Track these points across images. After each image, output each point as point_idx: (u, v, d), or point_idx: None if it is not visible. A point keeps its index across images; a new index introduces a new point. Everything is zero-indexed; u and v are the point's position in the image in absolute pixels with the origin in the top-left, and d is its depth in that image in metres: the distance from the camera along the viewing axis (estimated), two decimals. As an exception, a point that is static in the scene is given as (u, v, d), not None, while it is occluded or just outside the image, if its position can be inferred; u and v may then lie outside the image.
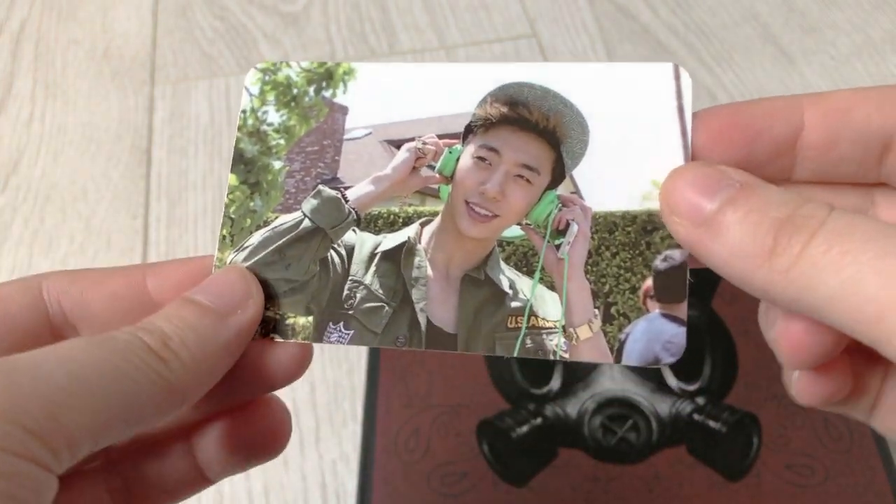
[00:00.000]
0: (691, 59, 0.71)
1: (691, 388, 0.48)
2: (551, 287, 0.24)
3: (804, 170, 0.24)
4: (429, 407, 0.48)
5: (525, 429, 0.47)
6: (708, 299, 0.51)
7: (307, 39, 0.75)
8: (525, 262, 0.25)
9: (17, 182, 0.66)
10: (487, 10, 0.76)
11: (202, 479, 0.27)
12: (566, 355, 0.24)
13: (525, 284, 0.25)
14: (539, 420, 0.47)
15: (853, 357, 0.24)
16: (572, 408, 0.47)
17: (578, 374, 0.48)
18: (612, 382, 0.48)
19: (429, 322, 0.25)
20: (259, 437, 0.27)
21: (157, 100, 0.71)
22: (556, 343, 0.24)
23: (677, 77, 0.25)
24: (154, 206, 0.64)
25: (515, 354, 0.24)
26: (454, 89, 0.26)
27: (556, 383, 0.48)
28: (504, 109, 0.26)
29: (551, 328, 0.24)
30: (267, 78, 0.28)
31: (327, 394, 0.52)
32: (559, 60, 0.71)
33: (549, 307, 0.24)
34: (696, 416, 0.47)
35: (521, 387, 0.48)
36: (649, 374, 0.48)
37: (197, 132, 0.68)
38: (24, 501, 0.17)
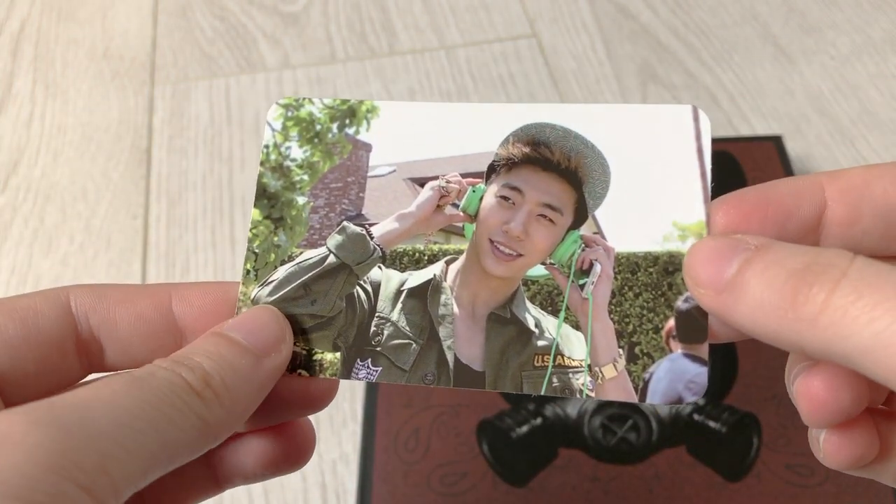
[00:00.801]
0: (691, 59, 0.71)
1: (691, 388, 0.48)
2: (576, 326, 0.25)
3: (830, 246, 0.24)
4: (429, 407, 0.48)
5: (525, 429, 0.47)
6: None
7: (307, 39, 0.75)
8: (550, 301, 0.26)
9: (17, 182, 0.66)
10: (487, 10, 0.76)
11: (216, 488, 0.27)
12: (592, 394, 0.24)
13: (550, 323, 0.25)
14: (539, 420, 0.47)
15: (876, 419, 0.24)
16: (572, 408, 0.47)
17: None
18: (612, 382, 0.48)
19: (456, 360, 0.26)
20: (284, 454, 0.27)
21: (157, 100, 0.71)
22: (581, 382, 0.24)
23: (696, 119, 0.25)
24: (154, 206, 0.64)
25: (542, 393, 0.24)
26: (476, 128, 0.26)
27: (556, 383, 0.48)
28: (526, 149, 0.26)
29: (577, 367, 0.24)
30: (289, 113, 0.28)
31: (327, 394, 0.53)
32: (559, 61, 0.71)
33: (575, 346, 0.25)
34: (696, 416, 0.47)
35: (521, 387, 0.48)
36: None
37: (197, 132, 0.68)
38: None
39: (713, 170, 0.25)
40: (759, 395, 0.48)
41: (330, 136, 0.28)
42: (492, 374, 0.25)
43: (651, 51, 0.72)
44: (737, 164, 0.58)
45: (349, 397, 0.52)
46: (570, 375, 0.24)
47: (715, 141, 0.67)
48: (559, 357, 0.25)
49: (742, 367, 0.49)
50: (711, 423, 0.46)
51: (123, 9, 0.78)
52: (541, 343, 0.25)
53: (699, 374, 0.23)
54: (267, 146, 0.28)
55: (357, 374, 0.25)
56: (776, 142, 0.59)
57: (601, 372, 0.24)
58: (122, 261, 0.61)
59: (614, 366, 0.24)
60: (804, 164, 0.63)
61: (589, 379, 0.24)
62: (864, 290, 0.18)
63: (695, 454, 0.46)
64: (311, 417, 0.53)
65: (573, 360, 0.25)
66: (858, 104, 0.67)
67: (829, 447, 0.23)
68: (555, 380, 0.24)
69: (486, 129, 0.26)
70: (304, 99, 0.28)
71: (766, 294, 0.20)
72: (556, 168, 0.26)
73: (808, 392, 0.22)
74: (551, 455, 0.46)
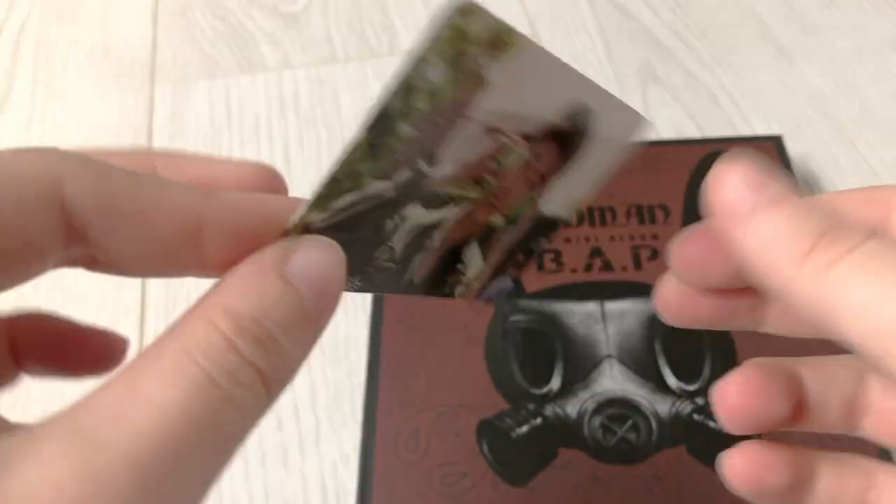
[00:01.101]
0: (691, 60, 0.71)
1: (691, 388, 0.48)
2: (485, 258, 0.30)
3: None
4: (429, 407, 0.48)
5: (525, 429, 0.47)
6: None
7: (307, 39, 0.75)
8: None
9: (17, 182, 0.66)
10: (487, 11, 0.76)
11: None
12: (460, 297, 0.30)
13: (475, 256, 0.29)
14: (539, 420, 0.47)
15: (791, 452, 0.27)
16: (572, 408, 0.47)
17: (578, 374, 0.48)
18: (612, 382, 0.48)
19: (410, 279, 0.28)
20: None
21: (157, 100, 0.71)
22: (460, 291, 0.29)
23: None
24: (154, 207, 0.64)
25: (434, 291, 0.29)
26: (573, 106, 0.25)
27: (555, 383, 0.48)
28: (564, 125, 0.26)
29: (464, 282, 0.30)
30: (468, 24, 0.22)
31: (327, 394, 0.52)
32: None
33: (472, 268, 0.30)
34: (696, 416, 0.47)
35: (520, 387, 0.48)
36: (649, 374, 0.48)
37: (197, 132, 0.68)
38: None
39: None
40: (759, 395, 0.48)
41: (472, 64, 0.22)
42: (420, 285, 0.28)
43: (651, 51, 0.72)
44: (737, 164, 0.58)
45: (349, 397, 0.52)
46: (458, 286, 0.29)
47: (715, 141, 0.66)
48: (461, 275, 0.29)
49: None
50: (711, 423, 0.46)
51: (123, 9, 0.78)
52: (458, 266, 0.29)
53: (508, 286, 0.31)
54: (437, 38, 0.21)
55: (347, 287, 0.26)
56: (776, 142, 0.59)
57: (472, 284, 0.30)
58: (123, 261, 0.61)
59: (482, 283, 0.30)
60: (804, 164, 0.63)
61: (465, 289, 0.30)
62: (873, 256, 0.19)
63: (695, 454, 0.46)
64: (311, 417, 0.53)
65: (467, 277, 0.30)
66: (858, 104, 0.67)
67: (726, 469, 0.26)
68: (447, 287, 0.29)
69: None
70: (488, 13, 0.21)
71: (784, 238, 0.21)
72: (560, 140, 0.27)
73: (723, 399, 0.26)
74: (551, 455, 0.46)
